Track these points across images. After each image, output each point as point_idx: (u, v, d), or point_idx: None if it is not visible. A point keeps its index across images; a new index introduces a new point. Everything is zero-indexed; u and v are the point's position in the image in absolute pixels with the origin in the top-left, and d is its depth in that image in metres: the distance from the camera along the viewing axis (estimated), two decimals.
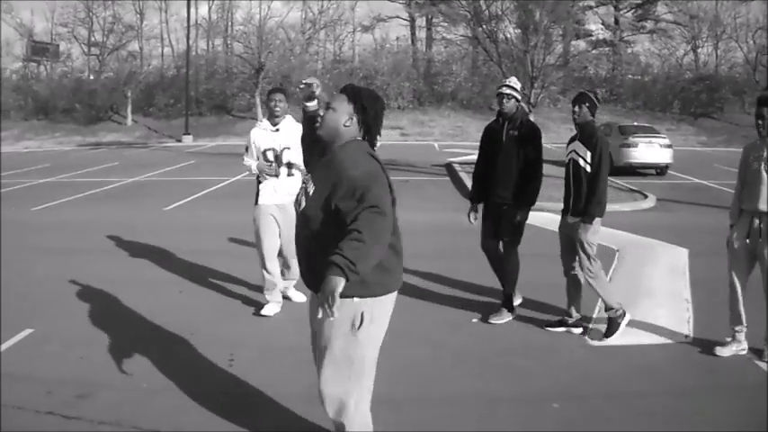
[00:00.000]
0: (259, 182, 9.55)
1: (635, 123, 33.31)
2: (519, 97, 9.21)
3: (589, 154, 8.31)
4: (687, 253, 12.38)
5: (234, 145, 46.12)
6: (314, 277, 4.67)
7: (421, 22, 73.30)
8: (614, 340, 8.36)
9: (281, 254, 9.65)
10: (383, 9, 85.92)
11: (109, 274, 11.73)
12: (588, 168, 8.31)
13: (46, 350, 8.13)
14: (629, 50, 68.75)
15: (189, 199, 21.78)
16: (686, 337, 8.36)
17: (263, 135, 9.44)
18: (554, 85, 45.01)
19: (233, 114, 63.59)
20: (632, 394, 6.88)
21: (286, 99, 9.44)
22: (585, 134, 8.44)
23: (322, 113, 4.92)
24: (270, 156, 9.37)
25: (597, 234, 8.47)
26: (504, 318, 9.17)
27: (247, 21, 66.88)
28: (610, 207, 18.49)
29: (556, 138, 49.29)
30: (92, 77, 69.87)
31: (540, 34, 28.43)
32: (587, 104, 8.45)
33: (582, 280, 8.71)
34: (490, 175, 9.27)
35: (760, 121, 7.48)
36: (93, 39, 74.41)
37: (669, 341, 8.33)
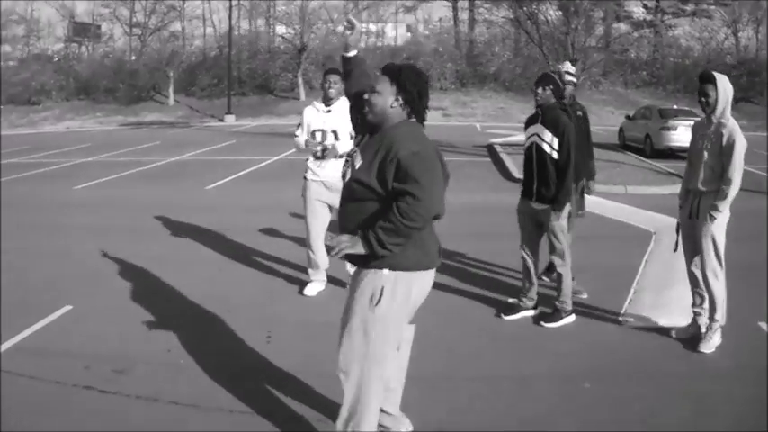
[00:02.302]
0: (308, 159, 9.49)
1: (675, 107, 33.00)
2: (576, 82, 9.29)
3: (556, 141, 8.07)
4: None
5: (276, 125, 46.25)
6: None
7: (463, 3, 73.19)
8: (648, 322, 8.32)
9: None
10: None
11: (149, 252, 11.86)
12: (555, 155, 8.09)
13: (85, 326, 8.23)
14: (670, 33, 68.06)
15: (230, 178, 21.86)
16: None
17: (314, 115, 9.32)
18: (595, 68, 44.74)
19: (275, 94, 63.69)
20: (666, 375, 6.85)
21: (341, 80, 9.25)
22: (549, 118, 8.16)
23: (367, 97, 4.88)
24: (318, 136, 9.23)
25: (565, 219, 8.35)
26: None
27: (289, 1, 66.80)
28: (648, 189, 18.64)
29: (597, 120, 48.95)
30: (133, 58, 70.11)
31: (581, 16, 28.23)
32: (551, 87, 8.17)
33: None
34: None
35: (703, 99, 7.34)
36: (134, 19, 74.62)
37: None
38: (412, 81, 4.81)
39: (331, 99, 9.24)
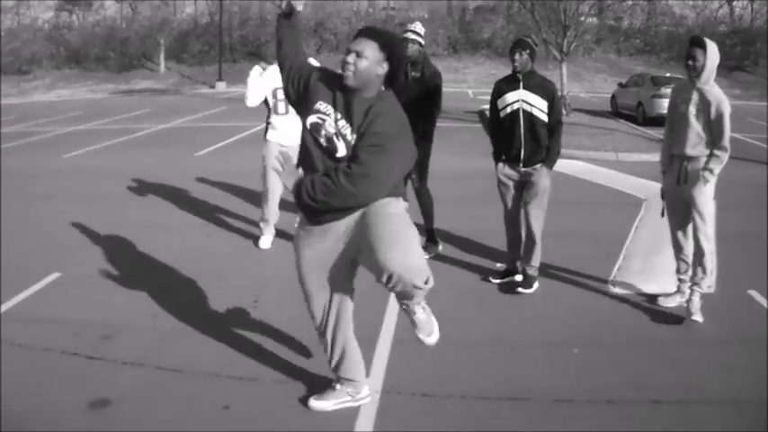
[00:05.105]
0: (268, 122, 10.14)
1: (667, 74, 33.01)
2: (422, 42, 9.33)
3: (545, 103, 8.03)
4: (715, 205, 12.21)
5: None
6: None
7: None
8: (636, 289, 8.35)
9: None
10: None
11: (138, 218, 11.86)
12: (544, 118, 8.06)
13: (72, 293, 8.24)
14: (663, 1, 67.77)
15: (220, 144, 21.89)
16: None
17: (276, 75, 9.55)
18: (587, 35, 44.57)
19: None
20: (654, 342, 6.88)
21: None
22: (535, 83, 8.11)
23: (350, 60, 4.66)
24: (279, 94, 9.99)
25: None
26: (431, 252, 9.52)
27: None
28: (639, 157, 18.58)
29: (590, 87, 49.11)
30: (124, 25, 69.77)
31: None
32: (528, 51, 8.07)
33: None
34: None
35: (690, 62, 7.27)
36: None
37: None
38: (398, 50, 4.77)
39: None
